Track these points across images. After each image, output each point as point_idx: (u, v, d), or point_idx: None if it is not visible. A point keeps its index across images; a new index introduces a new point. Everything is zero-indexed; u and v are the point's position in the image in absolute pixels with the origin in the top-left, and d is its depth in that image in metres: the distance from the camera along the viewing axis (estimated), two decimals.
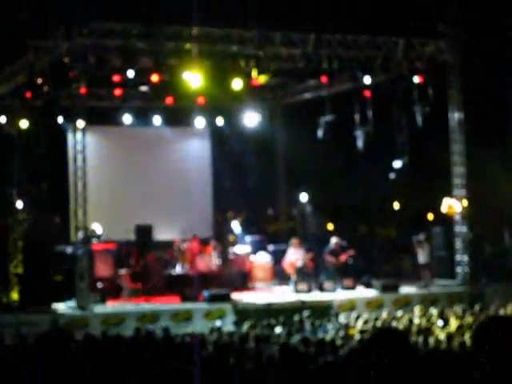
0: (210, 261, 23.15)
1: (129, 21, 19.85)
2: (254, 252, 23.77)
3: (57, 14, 19.73)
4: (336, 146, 24.98)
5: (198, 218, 25.62)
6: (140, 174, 26.02)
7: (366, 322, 16.46)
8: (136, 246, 22.84)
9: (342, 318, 17.84)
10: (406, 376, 3.84)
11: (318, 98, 24.43)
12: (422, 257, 22.85)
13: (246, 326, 16.29)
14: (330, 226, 26.78)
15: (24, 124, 23.22)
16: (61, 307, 19.15)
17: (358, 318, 17.33)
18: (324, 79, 21.90)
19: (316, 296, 20.96)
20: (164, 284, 22.07)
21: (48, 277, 19.74)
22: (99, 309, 19.17)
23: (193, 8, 19.82)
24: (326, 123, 23.20)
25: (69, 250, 21.59)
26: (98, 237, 22.68)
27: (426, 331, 14.82)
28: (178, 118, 26.39)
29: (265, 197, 28.48)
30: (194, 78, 20.24)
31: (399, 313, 18.02)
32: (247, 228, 25.24)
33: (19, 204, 23.74)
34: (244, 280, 22.98)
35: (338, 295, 21.07)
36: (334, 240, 22.89)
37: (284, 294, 21.35)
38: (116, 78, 20.72)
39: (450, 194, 22.81)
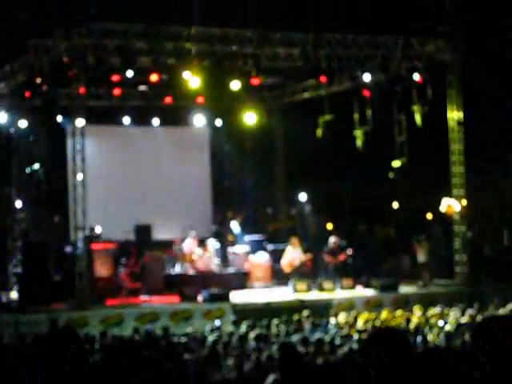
0: (209, 260, 23.16)
1: (128, 21, 19.84)
2: (253, 251, 23.77)
3: (56, 14, 19.72)
4: (335, 145, 24.98)
5: (198, 218, 25.63)
6: (139, 174, 26.01)
7: (365, 322, 16.46)
8: (135, 246, 22.84)
9: (341, 318, 17.84)
10: (405, 376, 3.84)
11: (317, 97, 24.42)
12: (421, 256, 22.86)
13: (245, 326, 16.28)
14: (329, 226, 26.78)
15: (23, 123, 23.22)
16: (60, 307, 19.16)
17: (356, 317, 17.34)
18: (323, 79, 21.88)
19: (315, 295, 20.97)
20: (163, 284, 22.07)
21: (47, 276, 19.74)
22: (98, 308, 19.17)
23: (192, 8, 19.85)
24: (325, 123, 23.19)
25: (68, 249, 21.59)
26: (98, 236, 22.68)
27: (425, 331, 14.83)
28: (176, 117, 26.39)
29: (264, 196, 28.50)
30: (192, 78, 20.26)
31: (398, 312, 18.03)
32: (246, 227, 25.25)
33: (18, 204, 23.76)
34: (243, 279, 22.98)
35: (337, 295, 21.08)
36: (332, 239, 22.88)
37: (283, 294, 21.35)
38: (115, 78, 20.73)
39: (449, 194, 22.82)
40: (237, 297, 20.42)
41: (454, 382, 3.41)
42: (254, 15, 21.19)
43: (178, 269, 22.87)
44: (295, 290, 21.36)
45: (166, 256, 22.88)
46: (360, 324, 16.32)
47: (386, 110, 22.79)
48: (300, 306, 19.22)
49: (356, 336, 14.49)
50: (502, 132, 26.14)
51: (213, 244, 23.76)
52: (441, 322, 16.08)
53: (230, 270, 23.39)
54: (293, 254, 22.51)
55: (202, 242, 23.72)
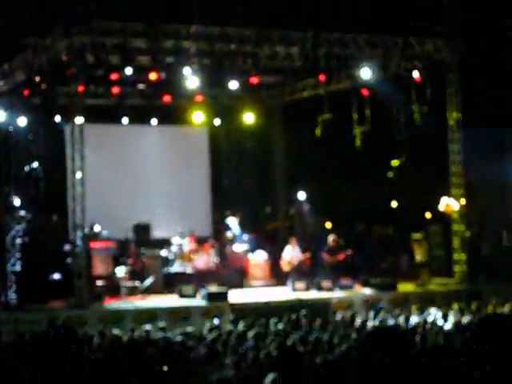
0: (208, 259, 23.17)
1: (127, 19, 19.82)
2: (252, 250, 23.79)
3: (55, 13, 19.70)
4: (334, 144, 24.97)
5: (196, 217, 25.63)
6: (138, 173, 26.01)
7: (363, 321, 16.46)
8: (135, 245, 22.83)
9: (340, 317, 17.85)
10: (404, 375, 3.84)
11: (316, 96, 24.41)
12: (420, 255, 22.86)
13: (243, 325, 16.27)
14: (328, 225, 26.78)
15: (22, 122, 23.21)
16: (58, 305, 19.16)
17: (355, 316, 17.34)
18: (322, 78, 21.88)
19: (314, 295, 20.97)
20: (162, 282, 22.08)
21: (46, 275, 19.74)
22: (97, 307, 19.17)
23: (191, 6, 19.82)
24: (324, 121, 23.18)
25: (67, 248, 21.58)
26: (96, 235, 22.68)
27: (424, 330, 14.83)
28: (175, 116, 26.36)
29: (263, 195, 28.49)
30: (192, 77, 20.28)
31: (396, 311, 18.04)
32: (245, 226, 25.25)
33: (17, 202, 23.73)
34: (241, 278, 22.98)
35: (335, 294, 21.09)
36: (331, 237, 22.89)
37: (282, 293, 21.35)
38: (114, 76, 20.71)
39: (447, 193, 22.82)
40: (235, 296, 20.42)
41: (453, 382, 3.41)
42: (253, 14, 21.18)
43: (176, 268, 22.88)
44: (294, 289, 21.37)
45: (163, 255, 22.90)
46: (358, 323, 16.32)
47: (384, 109, 22.79)
48: (298, 304, 19.22)
49: (354, 335, 14.49)
50: (501, 131, 26.14)
51: (212, 243, 23.78)
52: (440, 321, 16.09)
53: (229, 268, 23.39)
54: (291, 253, 22.51)
55: (200, 241, 23.74)
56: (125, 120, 25.31)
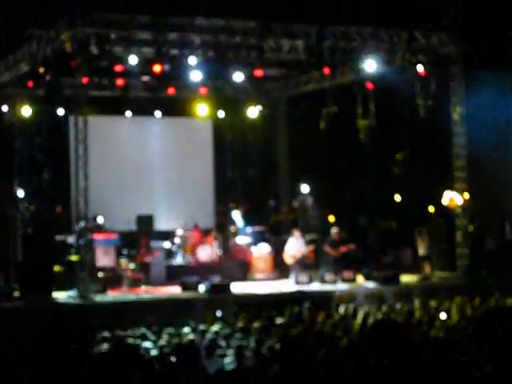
0: (211, 251, 23.19)
1: (132, 11, 19.80)
2: (255, 243, 23.80)
3: (60, 3, 19.68)
4: (338, 137, 24.95)
5: (200, 209, 25.64)
6: (141, 164, 26.01)
7: (365, 314, 16.46)
8: (145, 236, 22.70)
9: (342, 310, 17.86)
10: (405, 370, 3.84)
11: (320, 89, 24.38)
12: (423, 249, 22.86)
13: (246, 317, 16.29)
14: (331, 218, 26.78)
15: (26, 113, 23.22)
16: (61, 296, 19.20)
17: (357, 309, 17.35)
18: (326, 71, 21.85)
19: (316, 287, 20.99)
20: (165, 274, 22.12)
21: (48, 266, 19.77)
22: (100, 298, 19.20)
23: None
24: (328, 115, 23.14)
25: (70, 239, 21.61)
26: (100, 226, 22.71)
27: (426, 324, 14.83)
28: (179, 108, 26.34)
29: (266, 188, 28.48)
30: (196, 70, 20.30)
31: (399, 305, 18.04)
32: (248, 219, 25.26)
33: (20, 193, 23.76)
34: (244, 271, 23.01)
35: (338, 287, 21.10)
36: (334, 230, 22.89)
37: (285, 286, 21.37)
38: (118, 68, 20.70)
39: (451, 187, 22.81)
40: (238, 288, 20.44)
41: (453, 381, 3.41)
42: (257, 6, 21.15)
43: (179, 260, 22.91)
44: (297, 282, 21.39)
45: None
46: (361, 317, 16.32)
47: (389, 103, 22.76)
48: (301, 297, 19.24)
49: (356, 329, 14.50)
50: (504, 125, 26.08)
51: (215, 235, 23.80)
52: (443, 315, 16.09)
53: (232, 261, 23.41)
54: (295, 246, 22.51)
55: (204, 233, 23.76)
56: (129, 112, 25.30)
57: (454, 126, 22.80)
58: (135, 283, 21.03)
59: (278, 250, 23.28)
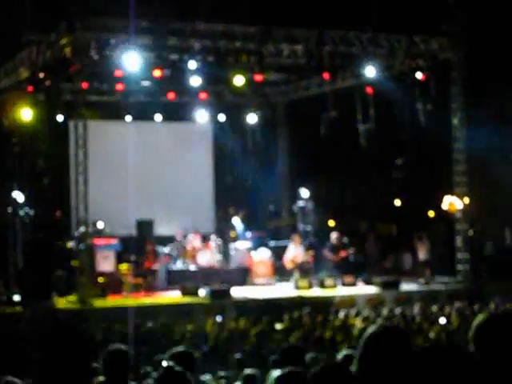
0: (211, 256, 23.17)
1: (132, 16, 19.80)
2: (255, 248, 23.78)
3: (59, 8, 19.69)
4: (338, 142, 24.96)
5: (200, 214, 25.62)
6: (141, 169, 25.97)
7: (365, 319, 16.46)
8: (152, 243, 22.65)
9: (342, 315, 17.85)
10: (406, 375, 3.84)
11: (320, 94, 24.39)
12: (423, 254, 22.86)
13: (246, 322, 16.29)
14: (331, 223, 26.78)
15: (26, 118, 23.21)
16: (61, 302, 19.17)
17: (357, 314, 17.34)
18: (326, 76, 21.86)
19: (316, 292, 20.97)
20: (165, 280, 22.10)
21: (49, 271, 19.74)
22: (100, 304, 19.17)
23: (195, 4, 19.81)
24: (328, 120, 23.16)
25: (70, 244, 21.59)
26: (100, 232, 22.68)
27: (427, 329, 14.83)
28: (179, 113, 26.36)
29: (266, 193, 28.47)
30: (196, 74, 20.32)
31: (399, 310, 18.03)
32: (248, 224, 25.24)
33: (20, 198, 23.75)
34: (245, 276, 22.99)
35: (338, 292, 21.08)
36: (334, 235, 22.88)
37: (284, 290, 21.35)
38: (118, 73, 20.71)
39: (451, 192, 22.81)
40: (238, 293, 20.42)
41: (453, 381, 3.40)
42: (257, 11, 21.17)
43: (179, 265, 22.89)
44: (297, 287, 21.37)
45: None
46: (361, 322, 16.32)
47: (389, 108, 22.77)
48: (301, 302, 19.22)
49: (356, 333, 14.49)
50: (504, 129, 26.10)
51: (215, 240, 23.78)
52: (443, 320, 16.09)
53: (232, 266, 23.40)
54: (294, 251, 22.51)
55: (203, 238, 23.73)
56: (129, 117, 25.28)
57: (454, 131, 22.81)
58: (135, 288, 21.00)
59: (277, 255, 23.27)
